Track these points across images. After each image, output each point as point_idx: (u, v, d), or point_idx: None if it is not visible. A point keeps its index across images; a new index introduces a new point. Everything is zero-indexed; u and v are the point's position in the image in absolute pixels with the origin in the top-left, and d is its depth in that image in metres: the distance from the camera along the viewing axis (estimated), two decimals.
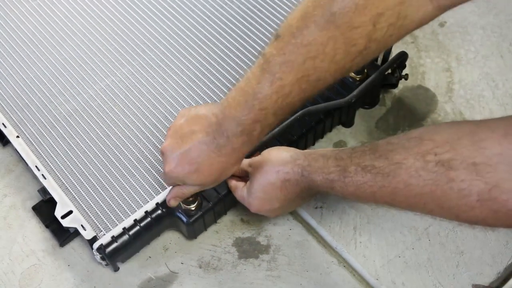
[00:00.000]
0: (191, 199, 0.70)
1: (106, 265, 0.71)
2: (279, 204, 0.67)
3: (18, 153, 0.78)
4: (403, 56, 0.83)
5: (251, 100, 0.57)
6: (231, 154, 0.60)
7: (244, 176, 0.71)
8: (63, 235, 0.74)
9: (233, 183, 0.71)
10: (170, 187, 0.69)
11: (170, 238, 0.75)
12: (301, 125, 0.77)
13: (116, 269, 0.72)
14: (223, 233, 0.75)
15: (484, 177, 0.48)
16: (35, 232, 0.76)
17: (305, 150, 0.67)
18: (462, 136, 0.50)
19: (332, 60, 0.55)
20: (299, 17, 0.55)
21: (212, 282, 0.71)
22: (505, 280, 0.70)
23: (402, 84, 0.90)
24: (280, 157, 0.66)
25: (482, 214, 0.49)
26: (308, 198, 0.71)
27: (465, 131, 0.51)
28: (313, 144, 0.82)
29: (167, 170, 0.63)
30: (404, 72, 0.85)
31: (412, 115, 0.87)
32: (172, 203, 0.68)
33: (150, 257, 0.73)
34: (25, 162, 0.76)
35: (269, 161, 0.66)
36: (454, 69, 0.93)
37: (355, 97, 0.78)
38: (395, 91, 0.90)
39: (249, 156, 0.71)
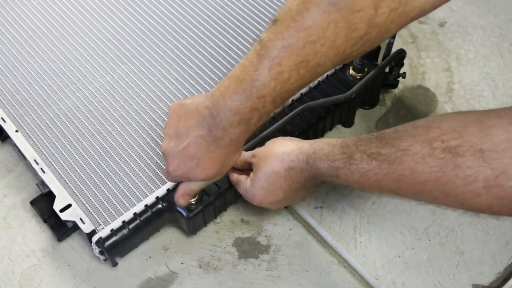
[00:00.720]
0: None
1: (105, 260, 0.70)
2: (283, 194, 0.67)
3: (18, 152, 0.77)
4: (401, 53, 0.83)
5: (249, 88, 0.56)
6: (230, 145, 0.60)
7: (247, 169, 0.70)
8: (61, 229, 0.73)
9: (235, 176, 0.70)
10: (174, 183, 0.69)
11: (170, 238, 0.75)
12: (302, 121, 0.77)
13: (114, 264, 0.72)
14: (223, 233, 0.75)
15: (491, 164, 0.48)
16: (35, 232, 0.76)
17: (310, 140, 0.67)
18: (470, 123, 0.50)
19: (332, 45, 0.54)
20: (299, 0, 0.55)
21: (212, 282, 0.71)
22: (505, 280, 0.70)
23: (402, 84, 0.90)
24: (285, 145, 0.66)
25: (487, 201, 0.49)
26: (312, 189, 0.70)
27: (472, 118, 0.51)
28: None
29: (171, 169, 0.63)
30: (402, 71, 0.85)
31: (412, 115, 0.87)
32: (181, 201, 0.67)
33: (150, 257, 0.73)
34: (25, 161, 0.76)
35: (273, 150, 0.66)
36: (454, 69, 0.93)
37: (355, 93, 0.78)
38: (395, 91, 0.90)
39: (251, 149, 0.71)
